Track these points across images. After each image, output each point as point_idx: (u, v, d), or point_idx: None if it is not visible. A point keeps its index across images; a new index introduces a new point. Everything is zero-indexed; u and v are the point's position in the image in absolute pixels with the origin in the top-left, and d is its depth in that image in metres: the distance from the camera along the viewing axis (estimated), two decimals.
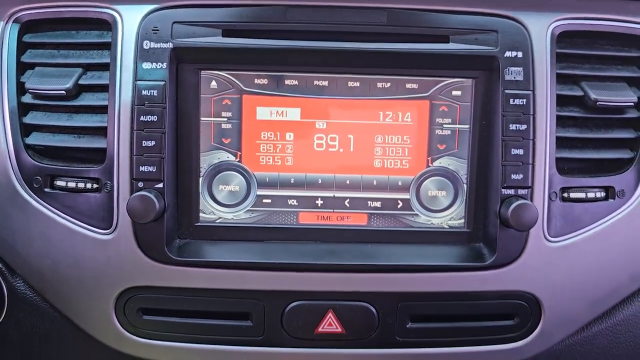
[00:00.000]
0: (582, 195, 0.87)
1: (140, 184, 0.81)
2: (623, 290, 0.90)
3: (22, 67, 0.87)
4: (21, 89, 0.86)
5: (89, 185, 0.84)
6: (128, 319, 0.86)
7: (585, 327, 0.92)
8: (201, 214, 0.87)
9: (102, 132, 0.84)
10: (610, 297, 0.90)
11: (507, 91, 0.83)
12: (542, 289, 0.86)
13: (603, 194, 0.87)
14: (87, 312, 0.87)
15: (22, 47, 0.87)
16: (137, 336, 0.86)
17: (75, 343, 0.90)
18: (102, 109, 0.84)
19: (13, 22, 0.86)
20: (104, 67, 0.85)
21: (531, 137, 0.83)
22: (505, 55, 0.83)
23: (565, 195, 0.86)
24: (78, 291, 0.86)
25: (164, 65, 0.81)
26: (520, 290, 0.86)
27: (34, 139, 0.85)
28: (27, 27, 0.87)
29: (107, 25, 0.85)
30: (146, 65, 0.81)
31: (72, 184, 0.84)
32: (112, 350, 0.88)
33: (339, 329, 0.85)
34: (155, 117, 0.81)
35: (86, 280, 0.85)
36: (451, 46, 0.83)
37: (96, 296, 0.85)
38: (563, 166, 0.86)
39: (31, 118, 0.86)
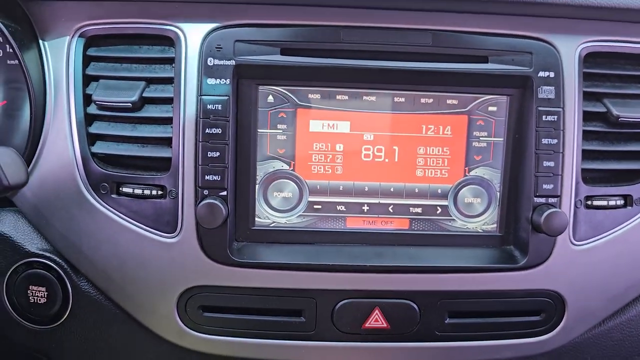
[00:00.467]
0: (604, 203, 0.95)
1: (206, 192, 0.87)
2: (637, 288, 1.00)
3: (87, 80, 0.92)
4: (86, 101, 0.91)
5: (154, 192, 0.90)
6: (189, 316, 0.93)
7: (603, 321, 1.01)
8: (257, 219, 0.94)
9: (165, 142, 0.90)
10: (626, 295, 1.00)
11: (540, 108, 0.90)
12: (566, 288, 0.95)
13: (622, 202, 0.96)
14: (150, 310, 0.93)
15: (85, 60, 0.92)
16: (197, 332, 0.93)
17: (136, 338, 0.97)
18: (166, 121, 0.90)
19: (79, 36, 0.91)
20: (167, 81, 0.91)
21: (561, 151, 0.91)
22: (539, 75, 0.91)
23: (589, 202, 0.95)
24: (142, 290, 0.92)
25: (227, 81, 0.87)
26: (547, 289, 0.95)
27: (99, 147, 0.91)
28: (90, 41, 0.92)
29: (169, 40, 0.91)
30: (210, 81, 0.87)
31: (138, 191, 0.90)
32: (172, 345, 0.95)
33: (385, 325, 0.93)
34: (220, 129, 0.87)
35: (151, 280, 0.91)
36: (490, 66, 0.91)
37: (159, 295, 0.92)
38: (587, 176, 0.95)
39: (96, 128, 0.91)
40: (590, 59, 0.95)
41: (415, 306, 0.93)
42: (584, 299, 0.97)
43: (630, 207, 0.96)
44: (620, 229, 0.95)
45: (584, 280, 0.96)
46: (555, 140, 0.91)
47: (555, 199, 0.91)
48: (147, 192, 0.90)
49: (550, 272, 0.93)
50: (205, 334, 0.93)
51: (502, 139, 0.94)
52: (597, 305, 0.98)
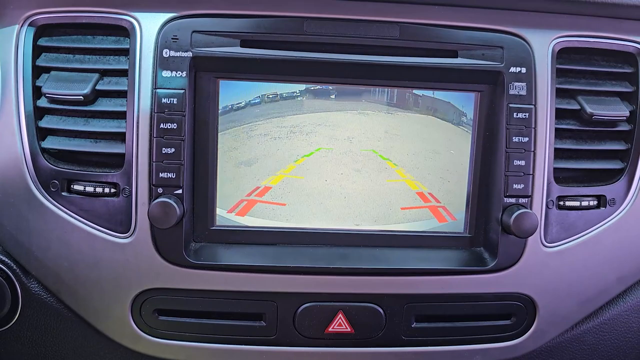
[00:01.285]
0: (576, 203, 0.92)
1: (160, 190, 0.83)
2: (611, 291, 0.97)
3: (37, 71, 0.87)
4: (36, 93, 0.87)
5: (107, 190, 0.85)
6: (144, 320, 0.88)
7: (575, 325, 0.98)
8: (217, 218, 0.89)
9: (119, 137, 0.86)
10: (598, 298, 0.97)
11: (511, 105, 0.87)
12: (537, 291, 0.92)
13: (595, 202, 0.93)
14: (103, 313, 0.89)
15: (36, 51, 0.88)
16: (152, 336, 0.89)
17: (89, 342, 0.92)
18: (120, 115, 0.86)
19: (28, 25, 0.87)
20: (121, 73, 0.86)
21: (532, 149, 0.88)
22: (510, 71, 0.87)
23: (561, 203, 0.91)
24: (95, 292, 0.88)
25: (184, 73, 0.83)
26: (518, 292, 0.91)
27: (50, 142, 0.86)
28: (41, 30, 0.88)
29: (123, 31, 0.86)
30: (166, 74, 0.83)
31: (90, 189, 0.85)
32: (127, 350, 0.91)
33: (348, 329, 0.89)
34: (175, 124, 0.83)
35: (103, 282, 0.87)
36: (459, 61, 0.87)
37: (113, 297, 0.87)
38: (559, 175, 0.92)
39: (47, 122, 0.87)
40: (564, 54, 0.92)
41: (380, 310, 0.89)
42: (555, 303, 0.94)
43: (603, 208, 0.93)
44: (592, 230, 0.93)
45: (556, 283, 0.93)
46: (527, 139, 0.88)
47: (526, 199, 0.88)
48: (99, 190, 0.85)
49: (521, 274, 0.90)
50: (161, 338, 0.89)
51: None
52: (569, 308, 0.95)
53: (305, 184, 0.90)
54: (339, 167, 0.89)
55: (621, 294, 0.99)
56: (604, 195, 0.94)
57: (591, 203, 0.93)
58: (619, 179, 0.94)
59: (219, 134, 0.87)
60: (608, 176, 0.95)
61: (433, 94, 0.90)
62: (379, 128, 0.89)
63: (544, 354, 0.99)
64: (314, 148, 0.89)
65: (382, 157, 0.90)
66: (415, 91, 0.89)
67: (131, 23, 0.85)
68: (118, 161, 0.86)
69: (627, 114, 0.92)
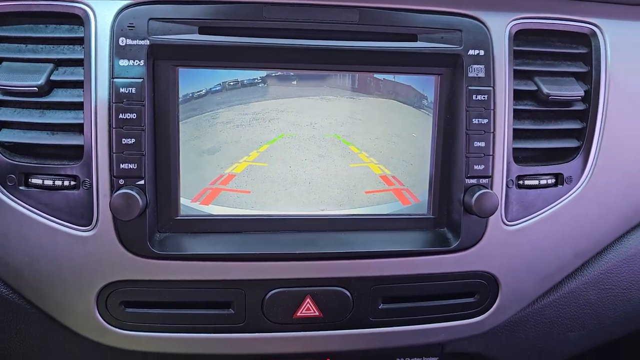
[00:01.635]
0: (535, 182, 0.95)
1: (121, 181, 0.82)
2: (569, 267, 1.00)
3: None
4: None
5: (66, 183, 0.84)
6: (110, 313, 0.88)
7: (536, 300, 1.02)
8: (181, 209, 0.89)
9: (77, 128, 0.84)
10: (557, 273, 1.00)
11: (470, 87, 0.88)
12: (499, 269, 0.95)
13: (553, 181, 0.96)
14: (67, 308, 0.88)
15: None
16: (119, 328, 0.88)
17: (55, 338, 0.91)
18: (77, 106, 0.84)
19: None
20: (77, 62, 0.84)
21: (492, 130, 0.90)
22: (468, 54, 0.88)
23: (521, 182, 0.94)
24: (58, 287, 0.86)
25: (142, 62, 0.82)
26: (481, 270, 0.94)
27: (5, 135, 0.84)
28: None
29: (77, 19, 0.84)
30: (123, 63, 0.81)
31: (48, 182, 0.83)
32: (94, 343, 0.90)
33: (317, 313, 0.90)
34: (135, 114, 0.81)
35: (66, 276, 0.85)
36: (419, 44, 0.88)
37: (77, 292, 0.86)
38: (518, 155, 0.94)
39: (0, 114, 0.84)
40: (521, 36, 0.94)
41: (347, 293, 0.90)
42: (516, 280, 0.96)
43: (560, 186, 0.96)
44: (551, 208, 0.95)
45: (517, 261, 0.95)
46: (486, 120, 0.89)
47: (487, 179, 0.90)
48: (58, 183, 0.83)
49: (483, 253, 0.93)
50: (129, 330, 0.88)
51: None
52: (530, 284, 0.98)
53: (269, 170, 0.90)
54: (303, 153, 0.90)
55: (579, 269, 1.02)
56: (561, 174, 0.96)
57: (549, 181, 0.96)
58: (575, 157, 0.97)
59: (180, 123, 0.86)
60: (565, 155, 0.97)
61: (394, 78, 0.90)
62: (341, 113, 0.90)
63: (507, 329, 1.02)
64: (277, 135, 0.89)
65: (345, 142, 0.91)
66: (376, 75, 0.90)
67: (85, 11, 0.83)
68: (77, 153, 0.84)
69: (582, 93, 0.94)
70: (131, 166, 0.82)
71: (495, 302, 0.96)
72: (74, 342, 0.91)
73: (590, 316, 1.07)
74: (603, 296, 1.06)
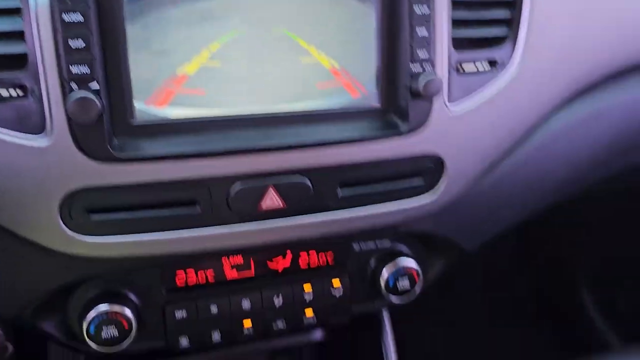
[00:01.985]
0: (472, 68, 1.01)
1: (74, 85, 0.80)
2: (504, 145, 1.10)
3: None
4: None
5: (13, 93, 0.81)
6: (75, 221, 0.88)
7: (477, 180, 1.11)
8: (136, 113, 0.88)
9: (18, 36, 0.81)
10: (495, 153, 1.09)
11: None
12: (444, 150, 1.02)
13: (489, 67, 1.03)
14: (30, 221, 0.87)
15: None
16: (86, 235, 0.89)
17: (21, 253, 0.91)
18: (14, 12, 0.80)
19: None
20: None
21: (433, 20, 0.94)
22: None
23: (460, 68, 1.00)
24: (18, 202, 0.85)
25: None
26: (428, 152, 1.01)
27: None
28: None
29: None
30: None
31: None
32: (62, 255, 0.91)
33: (280, 204, 0.94)
34: (80, 15, 0.79)
35: (26, 189, 0.84)
36: None
37: (39, 203, 0.86)
38: (457, 44, 1.00)
39: None
40: None
41: (308, 181, 0.95)
42: (460, 160, 1.05)
43: (495, 71, 1.03)
44: (487, 91, 1.03)
45: (459, 141, 1.03)
46: (428, 11, 0.94)
47: (430, 65, 0.95)
48: (4, 94, 0.81)
49: (430, 136, 0.99)
50: (96, 235, 0.89)
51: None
52: (471, 164, 1.07)
53: (222, 70, 0.90)
54: (254, 50, 0.91)
55: (513, 148, 1.12)
56: (495, 60, 1.03)
57: (485, 67, 1.03)
58: (505, 43, 1.04)
59: (127, 23, 0.84)
60: (499, 41, 1.04)
61: None
62: (290, 8, 0.91)
63: (452, 209, 1.11)
64: (227, 32, 0.89)
65: (295, 37, 0.92)
66: None
67: None
68: (20, 61, 0.81)
69: None
70: (83, 70, 0.80)
71: (441, 181, 1.04)
72: (41, 257, 0.91)
73: (522, 192, 1.18)
74: (532, 172, 1.17)
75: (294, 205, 0.95)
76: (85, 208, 0.87)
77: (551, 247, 2.46)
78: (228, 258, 1.07)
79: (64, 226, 0.88)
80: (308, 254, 1.12)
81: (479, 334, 2.39)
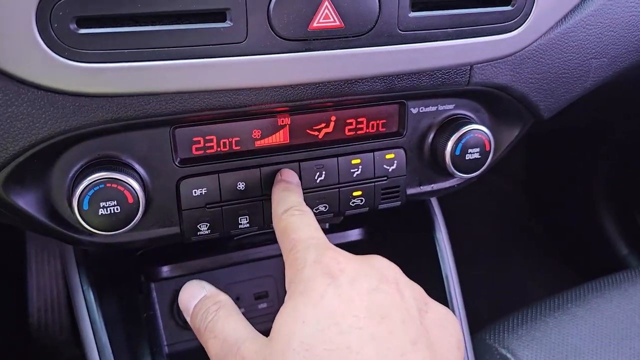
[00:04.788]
0: None
1: None
2: None
3: None
4: None
5: None
6: (59, 38, 0.61)
7: (563, 19, 0.89)
8: None
9: None
10: None
11: None
12: None
13: None
14: None
15: None
16: (73, 60, 0.63)
17: None
18: None
19: None
20: None
21: None
22: None
23: None
24: None
25: None
26: None
27: None
28: None
29: None
30: None
31: None
32: (39, 92, 0.66)
33: (337, 22, 0.70)
34: None
35: None
36: None
37: (8, 8, 0.60)
38: None
39: None
40: None
41: None
42: None
43: None
44: None
45: None
46: None
47: None
48: None
49: None
50: (87, 62, 0.64)
51: None
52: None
53: None
54: None
55: None
56: None
57: None
58: None
59: None
60: None
61: None
62: None
63: (534, 55, 0.89)
64: None
65: None
66: None
67: None
68: None
69: None
70: None
71: (531, 13, 0.81)
72: (10, 93, 0.65)
73: (613, 41, 0.96)
74: (628, 15, 0.95)
75: (354, 27, 0.71)
76: (72, 16, 0.61)
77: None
78: (258, 120, 0.83)
79: (42, 43, 0.62)
80: (356, 121, 0.89)
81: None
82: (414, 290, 0.64)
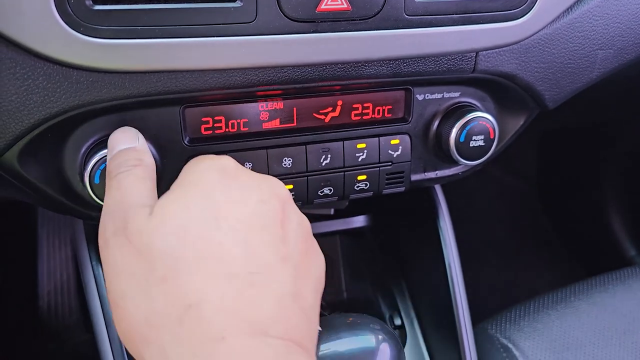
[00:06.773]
0: None
1: None
2: None
3: None
4: None
5: None
6: (74, 13, 0.64)
7: (569, 9, 0.90)
8: None
9: None
10: None
11: None
12: None
13: None
14: (14, 12, 0.64)
15: None
16: (88, 35, 0.66)
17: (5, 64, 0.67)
18: None
19: None
20: None
21: None
22: None
23: None
24: None
25: None
26: None
27: None
28: None
29: None
30: None
31: None
32: (55, 66, 0.68)
33: (344, 4, 0.72)
34: None
35: None
36: None
37: None
38: None
39: None
40: None
41: None
42: None
43: None
44: None
45: None
46: None
47: None
48: None
49: None
50: (100, 37, 0.66)
51: None
52: None
53: None
54: None
55: None
56: None
57: None
58: None
59: None
60: None
61: None
62: None
63: (540, 44, 0.90)
64: None
65: None
66: None
67: None
68: None
69: None
70: None
71: (537, 1, 0.83)
72: (27, 66, 0.68)
73: (620, 33, 0.97)
74: (635, 7, 0.96)
75: (361, 9, 0.73)
76: None
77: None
78: (266, 102, 0.85)
79: (59, 18, 0.64)
80: (362, 106, 0.91)
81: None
82: (301, 218, 0.64)
